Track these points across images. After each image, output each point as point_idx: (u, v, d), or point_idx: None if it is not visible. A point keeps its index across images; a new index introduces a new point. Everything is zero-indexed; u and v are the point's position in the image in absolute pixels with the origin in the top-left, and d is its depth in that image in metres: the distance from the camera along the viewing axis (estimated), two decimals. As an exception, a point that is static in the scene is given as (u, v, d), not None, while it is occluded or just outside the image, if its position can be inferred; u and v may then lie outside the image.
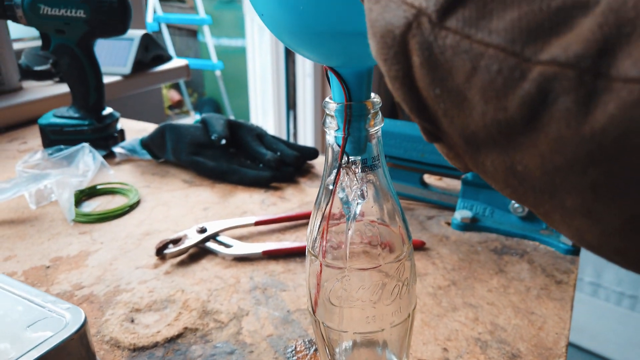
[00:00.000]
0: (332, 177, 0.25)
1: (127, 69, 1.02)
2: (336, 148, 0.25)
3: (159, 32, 3.57)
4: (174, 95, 4.17)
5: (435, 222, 0.52)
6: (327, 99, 0.24)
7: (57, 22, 0.64)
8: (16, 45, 0.98)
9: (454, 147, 0.16)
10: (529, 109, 0.12)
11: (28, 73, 0.95)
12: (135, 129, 0.81)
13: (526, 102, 0.12)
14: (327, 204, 0.26)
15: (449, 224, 0.52)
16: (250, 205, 0.56)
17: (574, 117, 0.12)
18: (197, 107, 4.21)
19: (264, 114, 2.37)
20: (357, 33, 0.20)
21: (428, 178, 0.60)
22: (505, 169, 0.14)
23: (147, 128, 0.82)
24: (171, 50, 3.71)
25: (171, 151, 0.65)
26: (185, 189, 0.60)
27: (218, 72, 3.69)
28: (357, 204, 0.26)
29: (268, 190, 0.60)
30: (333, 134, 0.25)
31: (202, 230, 0.48)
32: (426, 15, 0.13)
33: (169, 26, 3.77)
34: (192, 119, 4.18)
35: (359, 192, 0.25)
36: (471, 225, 0.51)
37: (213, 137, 0.63)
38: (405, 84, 0.15)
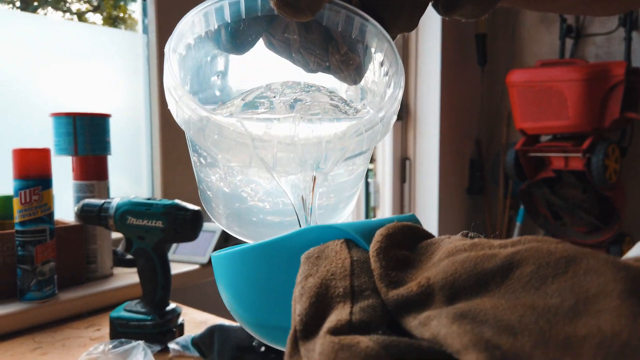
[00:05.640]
0: None
1: (205, 258, 1.12)
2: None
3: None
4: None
5: None
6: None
7: (139, 230, 0.75)
8: (116, 235, 1.13)
9: None
10: None
11: (121, 261, 1.08)
12: (197, 320, 0.87)
13: None
14: None
15: None
16: (278, 421, 0.56)
17: None
18: None
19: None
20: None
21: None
22: None
23: (208, 320, 0.88)
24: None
25: (217, 353, 0.68)
26: (222, 395, 0.62)
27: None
28: None
29: (301, 403, 0.60)
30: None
31: None
32: None
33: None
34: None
35: None
36: None
37: (254, 343, 0.66)
38: None
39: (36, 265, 0.84)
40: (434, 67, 2.10)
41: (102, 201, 0.77)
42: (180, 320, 0.79)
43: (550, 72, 1.88)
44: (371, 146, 0.26)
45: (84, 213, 0.77)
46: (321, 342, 0.16)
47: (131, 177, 1.26)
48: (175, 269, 1.06)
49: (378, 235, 0.19)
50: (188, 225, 0.74)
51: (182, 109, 0.25)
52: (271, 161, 0.24)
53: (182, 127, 0.26)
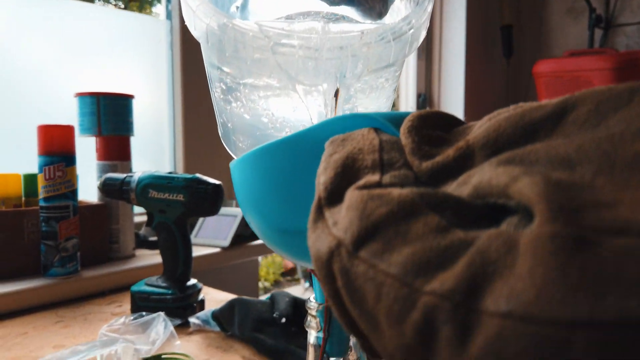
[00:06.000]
0: (313, 378, 0.25)
1: (226, 242, 1.12)
2: (317, 349, 0.25)
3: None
4: (287, 263, 4.36)
5: None
6: (310, 298, 0.26)
7: (160, 204, 0.75)
8: (138, 219, 1.14)
9: None
10: (420, 335, 0.13)
11: (143, 242, 1.08)
12: (217, 299, 0.86)
13: (417, 328, 0.13)
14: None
15: None
16: (298, 391, 0.55)
17: (455, 347, 0.12)
18: (308, 276, 4.32)
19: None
20: None
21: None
22: None
23: (228, 299, 0.87)
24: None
25: (237, 325, 0.67)
26: (242, 366, 0.61)
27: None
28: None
29: (322, 376, 0.58)
30: (314, 334, 0.25)
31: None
32: (344, 246, 0.15)
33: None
34: (301, 287, 4.28)
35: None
36: None
37: (274, 315, 0.65)
38: (337, 302, 0.16)
39: (59, 241, 0.84)
40: (459, 60, 2.07)
41: (124, 175, 0.77)
42: (200, 296, 0.78)
43: (578, 62, 1.83)
44: (398, 58, 0.24)
45: (106, 187, 0.77)
46: (349, 196, 0.14)
47: (153, 162, 1.27)
48: (197, 251, 1.06)
49: (410, 116, 0.17)
50: (209, 198, 0.74)
51: (200, 19, 0.24)
52: (293, 70, 0.22)
53: (201, 41, 0.25)
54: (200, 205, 0.74)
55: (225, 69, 0.27)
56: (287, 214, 0.21)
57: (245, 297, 0.71)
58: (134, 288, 0.76)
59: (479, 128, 0.15)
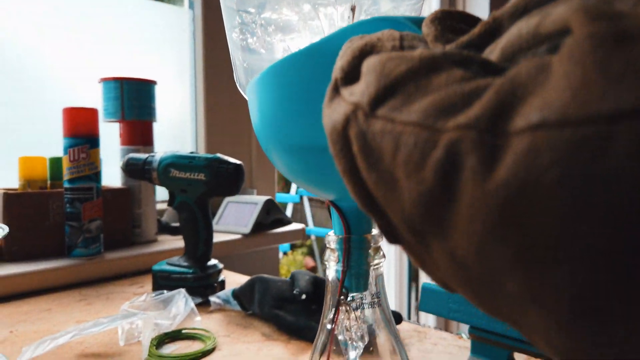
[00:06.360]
0: (332, 315, 0.25)
1: (247, 229, 1.12)
2: (336, 284, 0.24)
3: (300, 203, 3.89)
4: (308, 262, 4.35)
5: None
6: (329, 233, 0.25)
7: (182, 183, 0.75)
8: (161, 206, 1.15)
9: (412, 247, 0.15)
10: (442, 175, 0.12)
11: (165, 228, 1.09)
12: (238, 282, 0.86)
13: (439, 168, 0.12)
14: (325, 346, 0.25)
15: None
16: (319, 365, 0.54)
17: (480, 175, 0.11)
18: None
19: (388, 285, 2.35)
20: None
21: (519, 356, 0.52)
22: (450, 260, 0.13)
23: (249, 282, 0.87)
24: (309, 220, 3.97)
25: (257, 303, 0.67)
26: (261, 342, 0.60)
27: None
28: (356, 347, 0.24)
29: (343, 351, 0.57)
30: (333, 268, 0.24)
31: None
32: (361, 109, 0.14)
33: (310, 199, 4.08)
34: (322, 287, 4.27)
35: (358, 334, 0.24)
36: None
37: (295, 292, 0.64)
38: (353, 177, 0.15)
39: (83, 222, 0.85)
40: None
41: (146, 155, 0.78)
42: (221, 277, 0.78)
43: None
44: None
45: (128, 166, 0.78)
46: (366, 63, 0.13)
47: (175, 149, 1.28)
48: (218, 238, 1.06)
49: (434, 11, 0.17)
50: (230, 178, 0.73)
51: None
52: None
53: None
54: (221, 185, 0.74)
55: (244, 7, 0.27)
56: (306, 127, 0.20)
57: (265, 275, 0.70)
58: (156, 267, 0.76)
59: (507, 4, 0.14)
